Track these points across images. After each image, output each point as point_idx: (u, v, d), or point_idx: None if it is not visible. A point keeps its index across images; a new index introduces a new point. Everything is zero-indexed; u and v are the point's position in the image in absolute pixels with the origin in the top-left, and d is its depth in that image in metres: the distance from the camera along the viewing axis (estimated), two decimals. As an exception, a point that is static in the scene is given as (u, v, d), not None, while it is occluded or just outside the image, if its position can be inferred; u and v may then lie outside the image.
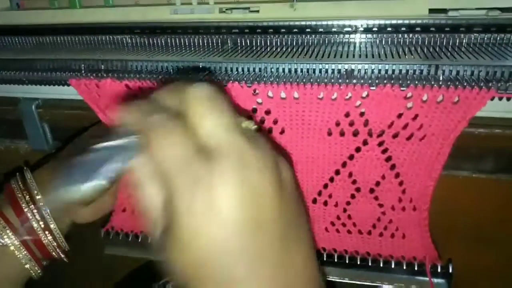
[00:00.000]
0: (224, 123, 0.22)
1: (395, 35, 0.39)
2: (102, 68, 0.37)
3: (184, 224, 0.20)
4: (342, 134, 0.32)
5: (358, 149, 0.33)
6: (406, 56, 0.33)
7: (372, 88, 0.29)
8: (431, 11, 0.39)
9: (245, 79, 0.32)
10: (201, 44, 0.42)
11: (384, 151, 0.32)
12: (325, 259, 0.38)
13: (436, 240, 0.37)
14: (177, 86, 0.24)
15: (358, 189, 0.35)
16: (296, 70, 0.33)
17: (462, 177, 0.38)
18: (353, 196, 0.35)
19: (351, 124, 0.31)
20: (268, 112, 0.32)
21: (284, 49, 0.38)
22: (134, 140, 0.22)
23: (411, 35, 0.38)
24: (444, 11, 0.39)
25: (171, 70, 0.35)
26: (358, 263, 0.37)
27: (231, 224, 0.20)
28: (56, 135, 0.47)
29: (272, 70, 0.34)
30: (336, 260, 0.38)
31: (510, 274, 0.41)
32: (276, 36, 0.41)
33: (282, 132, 0.33)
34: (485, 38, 0.36)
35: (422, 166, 0.32)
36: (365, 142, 0.32)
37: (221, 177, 0.20)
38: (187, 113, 0.22)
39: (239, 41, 0.41)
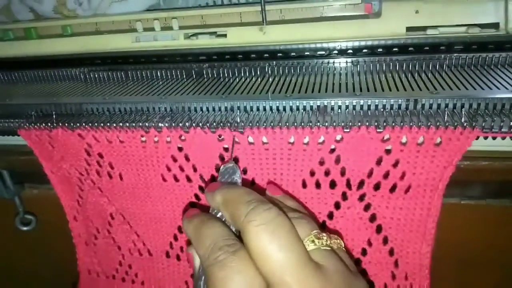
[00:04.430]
0: (291, 258, 0.21)
1: (371, 58, 0.36)
2: (54, 113, 0.33)
3: None
4: (318, 185, 0.29)
5: (337, 205, 0.29)
6: (383, 88, 0.30)
7: (346, 130, 0.26)
8: (409, 29, 0.37)
9: (209, 122, 0.29)
10: (164, 76, 0.39)
11: (367, 207, 0.29)
12: None
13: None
14: (230, 199, 0.24)
15: None
16: (265, 108, 0.30)
17: (451, 204, 0.36)
18: None
19: (327, 173, 0.28)
20: (236, 160, 0.29)
21: (254, 80, 0.35)
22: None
23: (388, 57, 0.36)
24: (423, 29, 0.36)
25: (129, 113, 0.32)
26: None
27: None
28: (17, 179, 0.43)
29: (240, 107, 0.31)
30: None
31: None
32: (245, 63, 0.38)
33: (252, 183, 0.30)
34: (467, 58, 0.34)
35: (413, 226, 0.28)
36: (344, 196, 0.29)
37: None
38: (248, 242, 0.22)
39: (204, 72, 0.38)
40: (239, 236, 0.23)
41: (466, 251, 0.38)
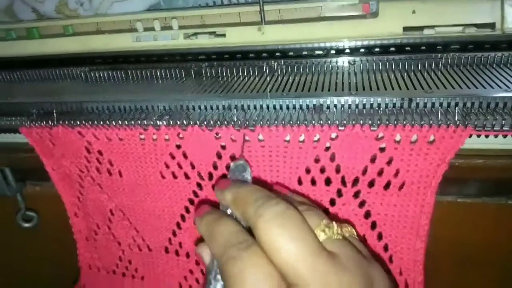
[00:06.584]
0: (303, 248, 0.21)
1: (368, 57, 0.36)
2: (55, 111, 0.34)
3: None
4: (313, 182, 0.29)
5: (332, 202, 0.30)
6: (379, 87, 0.30)
7: (341, 128, 0.27)
8: (406, 29, 0.37)
9: (206, 120, 0.30)
10: (163, 75, 0.39)
11: (362, 204, 0.29)
12: None
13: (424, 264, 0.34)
14: (240, 197, 0.24)
15: None
16: (262, 106, 0.31)
17: (447, 202, 0.36)
18: None
19: (322, 170, 0.29)
20: (233, 158, 0.30)
21: (252, 79, 0.36)
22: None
23: (385, 57, 0.36)
24: (420, 28, 0.37)
25: (128, 111, 0.33)
26: None
27: None
28: (19, 176, 0.44)
29: (237, 106, 0.31)
30: None
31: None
32: (244, 62, 0.38)
33: (249, 180, 0.30)
34: (463, 58, 0.34)
35: (407, 223, 0.29)
36: (339, 193, 0.29)
37: None
38: (259, 237, 0.22)
39: (203, 71, 0.38)
40: (251, 233, 0.23)
41: (462, 248, 0.39)
